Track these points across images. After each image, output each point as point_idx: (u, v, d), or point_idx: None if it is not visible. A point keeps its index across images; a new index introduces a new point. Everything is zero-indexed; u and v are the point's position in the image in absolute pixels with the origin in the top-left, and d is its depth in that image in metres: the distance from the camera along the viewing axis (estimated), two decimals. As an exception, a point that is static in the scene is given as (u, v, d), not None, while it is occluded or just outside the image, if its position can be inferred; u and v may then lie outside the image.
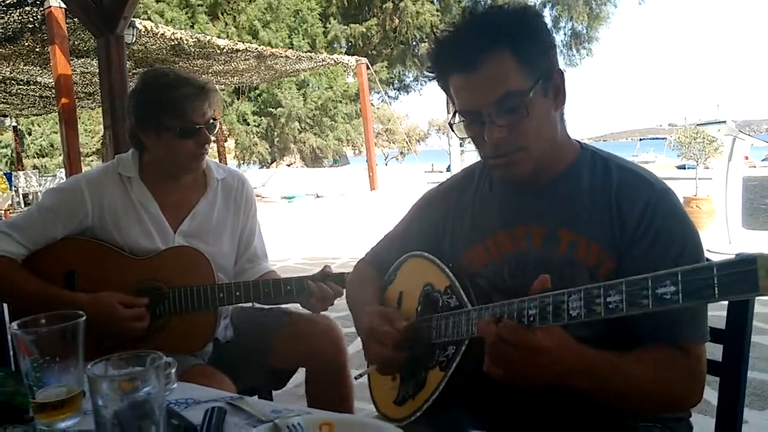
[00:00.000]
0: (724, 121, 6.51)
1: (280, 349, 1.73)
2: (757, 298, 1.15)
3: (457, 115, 1.13)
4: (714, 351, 1.19)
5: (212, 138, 1.70)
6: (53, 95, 10.28)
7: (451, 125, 1.15)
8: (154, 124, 1.63)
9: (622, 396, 0.98)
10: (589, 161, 1.16)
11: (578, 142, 1.21)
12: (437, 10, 22.21)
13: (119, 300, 1.54)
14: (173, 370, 1.08)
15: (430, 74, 1.15)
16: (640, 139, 34.66)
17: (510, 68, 1.04)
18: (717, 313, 1.05)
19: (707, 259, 1.09)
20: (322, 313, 1.75)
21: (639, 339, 1.01)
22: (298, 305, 1.69)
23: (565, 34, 23.71)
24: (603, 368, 0.95)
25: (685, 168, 12.55)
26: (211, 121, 1.66)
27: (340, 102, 24.34)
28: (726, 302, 1.18)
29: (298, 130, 23.85)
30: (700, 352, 1.04)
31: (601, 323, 0.83)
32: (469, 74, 1.06)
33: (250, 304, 1.91)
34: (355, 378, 1.30)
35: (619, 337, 1.00)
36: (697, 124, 7.39)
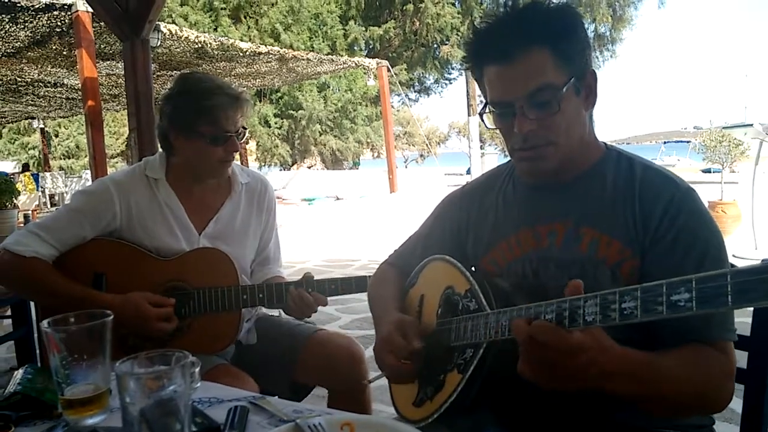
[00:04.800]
0: (751, 124, 6.39)
1: (302, 364, 1.73)
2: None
3: (488, 106, 1.13)
4: (739, 358, 1.17)
5: (241, 145, 1.73)
6: (79, 97, 10.49)
7: (481, 115, 1.15)
8: (188, 129, 1.65)
9: (664, 398, 0.95)
10: (614, 160, 1.16)
11: (604, 143, 1.21)
12: (458, 13, 22.15)
13: (148, 299, 1.56)
14: (197, 370, 1.09)
15: (466, 63, 1.16)
16: (665, 142, 34.11)
17: (546, 63, 1.05)
18: (742, 319, 1.03)
19: (731, 264, 1.09)
20: (345, 332, 1.77)
21: (673, 339, 0.99)
22: (325, 321, 1.70)
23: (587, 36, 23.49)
24: (644, 370, 0.92)
25: (710, 172, 12.34)
26: (241, 129, 1.69)
27: (360, 104, 24.41)
28: (751, 309, 1.17)
29: (319, 132, 23.96)
30: (732, 350, 1.03)
31: (635, 324, 0.82)
32: (504, 65, 1.07)
33: (276, 313, 1.93)
34: (368, 382, 1.31)
35: (652, 338, 0.99)
36: (723, 127, 7.28)
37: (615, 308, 0.80)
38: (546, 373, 0.87)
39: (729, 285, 0.68)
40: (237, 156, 1.77)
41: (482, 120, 1.16)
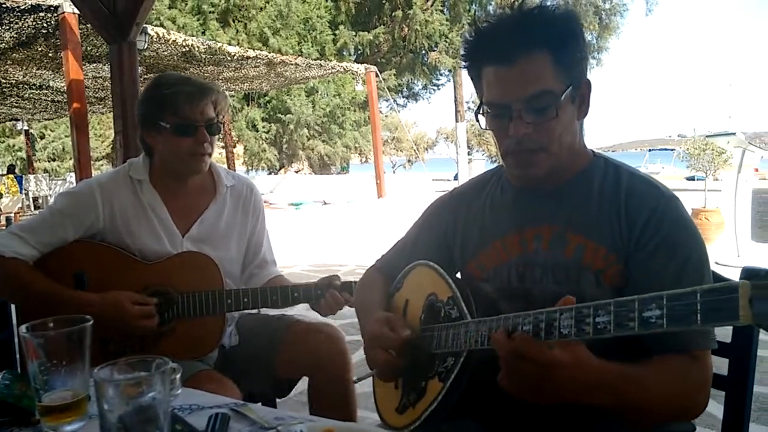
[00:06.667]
0: (734, 133, 6.49)
1: (285, 357, 1.73)
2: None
3: (483, 107, 1.13)
4: (720, 365, 1.19)
5: (214, 139, 1.71)
6: (65, 100, 10.40)
7: (476, 115, 1.15)
8: (155, 123, 1.67)
9: (640, 409, 0.97)
10: (601, 167, 1.17)
11: (591, 150, 1.21)
12: (446, 20, 22.28)
13: (129, 298, 1.55)
14: (178, 376, 1.08)
15: (464, 62, 1.16)
16: (650, 150, 34.55)
17: (546, 68, 1.05)
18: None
19: (714, 272, 1.10)
20: (329, 322, 1.77)
21: (650, 347, 1.00)
22: (304, 313, 1.70)
23: (574, 44, 23.68)
24: (621, 383, 0.94)
25: (694, 179, 12.50)
26: (214, 121, 1.68)
27: (349, 109, 24.43)
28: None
29: (307, 136, 23.95)
30: (709, 359, 1.04)
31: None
32: (504, 67, 1.06)
33: (256, 311, 1.92)
34: (354, 381, 1.31)
35: (630, 345, 0.98)
36: (707, 136, 7.35)
37: (589, 322, 0.81)
38: (525, 386, 0.89)
39: (698, 303, 0.69)
40: (224, 160, 1.76)
41: (477, 120, 1.15)
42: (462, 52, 1.16)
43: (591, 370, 0.89)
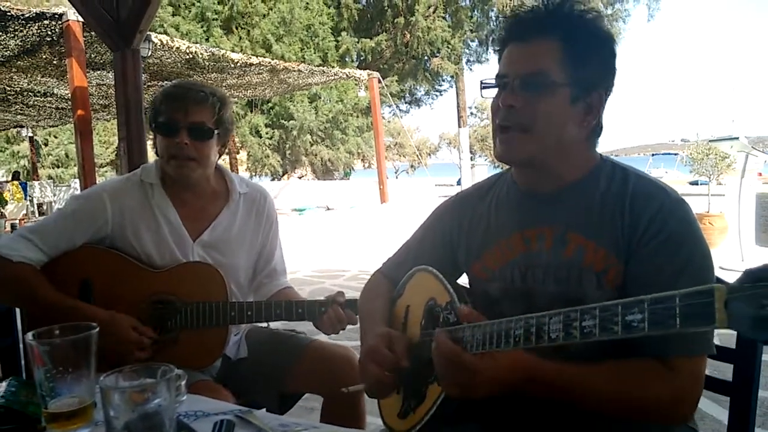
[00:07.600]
0: (737, 138, 6.47)
1: (297, 376, 1.72)
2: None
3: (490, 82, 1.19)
4: (725, 370, 1.19)
5: (205, 145, 1.66)
6: (69, 107, 10.45)
7: (481, 83, 1.20)
8: (151, 126, 1.70)
9: (587, 405, 1.01)
10: (608, 170, 1.17)
11: (600, 155, 1.21)
12: (448, 26, 22.32)
13: (131, 324, 1.55)
14: (183, 383, 1.09)
15: (496, 46, 1.23)
16: (653, 155, 34.50)
17: (553, 55, 1.09)
18: (728, 331, 1.04)
19: (717, 277, 1.10)
20: (346, 345, 1.77)
21: (627, 352, 1.01)
22: (317, 332, 1.69)
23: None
24: (561, 381, 1.00)
25: (697, 184, 12.46)
26: (203, 126, 1.63)
27: (351, 115, 24.44)
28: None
29: (310, 142, 23.96)
30: (690, 367, 1.01)
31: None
32: (519, 46, 1.13)
33: (265, 325, 1.91)
34: (345, 390, 1.32)
35: (608, 349, 0.98)
36: (710, 140, 7.35)
37: (576, 326, 0.82)
38: (450, 384, 1.00)
39: (677, 307, 0.68)
40: (228, 166, 1.76)
41: (480, 90, 1.21)
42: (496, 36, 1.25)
43: (520, 371, 0.98)
